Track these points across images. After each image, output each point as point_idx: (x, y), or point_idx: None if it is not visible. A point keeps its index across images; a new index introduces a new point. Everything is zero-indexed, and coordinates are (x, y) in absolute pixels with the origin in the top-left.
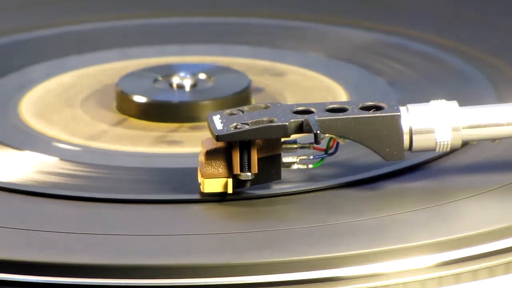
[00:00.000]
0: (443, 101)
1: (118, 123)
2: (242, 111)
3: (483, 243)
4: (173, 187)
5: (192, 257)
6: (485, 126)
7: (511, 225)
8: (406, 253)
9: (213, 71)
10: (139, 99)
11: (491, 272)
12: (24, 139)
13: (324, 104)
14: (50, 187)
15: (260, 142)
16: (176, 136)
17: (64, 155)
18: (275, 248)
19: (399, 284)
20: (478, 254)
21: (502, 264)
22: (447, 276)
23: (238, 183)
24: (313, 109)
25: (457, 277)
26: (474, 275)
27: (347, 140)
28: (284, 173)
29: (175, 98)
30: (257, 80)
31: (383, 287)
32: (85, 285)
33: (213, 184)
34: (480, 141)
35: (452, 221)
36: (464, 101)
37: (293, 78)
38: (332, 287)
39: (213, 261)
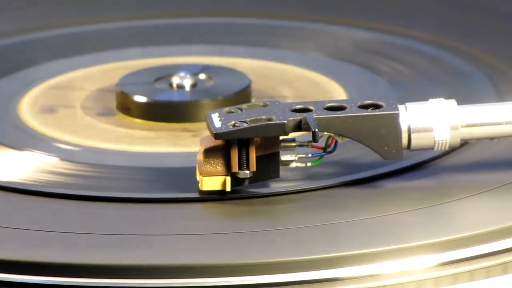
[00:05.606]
0: (442, 99)
1: (118, 123)
2: (241, 109)
3: (482, 243)
4: (171, 185)
5: (190, 257)
6: (483, 124)
7: (510, 225)
8: (405, 253)
9: (213, 71)
10: (139, 99)
11: (489, 272)
12: (24, 139)
13: (322, 102)
14: (50, 186)
15: (258, 140)
16: (176, 135)
17: (64, 155)
18: (274, 248)
19: (399, 284)
20: (477, 255)
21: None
22: (446, 276)
23: (237, 181)
24: (311, 107)
25: (456, 277)
26: (472, 275)
27: (346, 139)
28: (282, 171)
29: (175, 98)
30: (256, 80)
31: (382, 287)
32: (84, 285)
33: (212, 182)
34: (479, 140)
35: (452, 221)
36: (464, 101)
37: (293, 78)
38: (331, 287)
39: (212, 261)
